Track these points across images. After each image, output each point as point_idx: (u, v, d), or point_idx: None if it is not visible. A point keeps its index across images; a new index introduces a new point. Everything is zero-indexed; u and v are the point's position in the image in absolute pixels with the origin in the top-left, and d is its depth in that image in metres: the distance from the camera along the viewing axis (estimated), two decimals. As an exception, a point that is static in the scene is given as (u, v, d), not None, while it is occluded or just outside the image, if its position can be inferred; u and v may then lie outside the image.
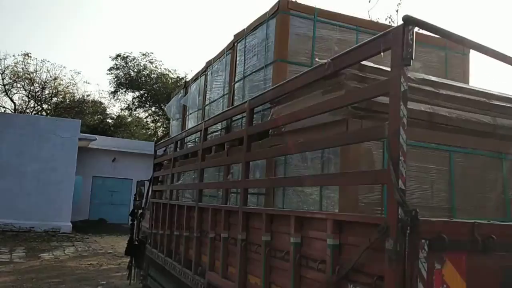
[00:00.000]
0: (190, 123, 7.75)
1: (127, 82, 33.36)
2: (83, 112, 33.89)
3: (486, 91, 4.08)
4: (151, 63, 34.04)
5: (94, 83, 69.34)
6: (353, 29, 4.99)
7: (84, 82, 48.30)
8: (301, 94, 3.94)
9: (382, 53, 2.75)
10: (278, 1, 4.80)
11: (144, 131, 39.27)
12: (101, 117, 36.62)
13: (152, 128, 39.60)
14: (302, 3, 4.91)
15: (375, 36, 2.79)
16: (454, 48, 5.44)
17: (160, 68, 34.61)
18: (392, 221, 2.53)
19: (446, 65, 5.25)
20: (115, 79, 33.64)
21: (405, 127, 2.55)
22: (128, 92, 34.20)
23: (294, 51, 4.75)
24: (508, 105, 4.04)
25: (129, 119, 38.05)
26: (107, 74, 34.07)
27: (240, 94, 5.45)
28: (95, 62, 58.31)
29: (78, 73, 43.66)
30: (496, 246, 2.60)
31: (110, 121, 37.08)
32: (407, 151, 2.52)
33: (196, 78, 7.67)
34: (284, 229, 3.78)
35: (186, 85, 8.31)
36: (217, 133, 6.23)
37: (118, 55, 33.22)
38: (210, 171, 6.18)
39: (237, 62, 5.67)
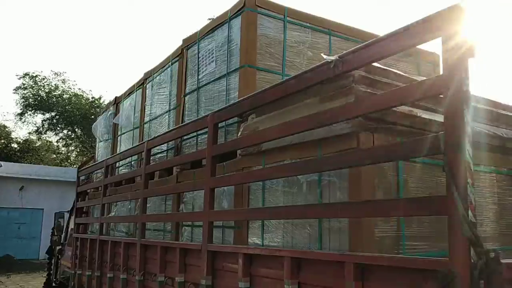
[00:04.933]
0: (123, 144, 6.70)
1: (36, 103, 30.71)
2: (-17, 137, 30.72)
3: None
4: (64, 82, 31.77)
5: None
6: (326, 32, 4.39)
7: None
8: (286, 103, 3.21)
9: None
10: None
11: (54, 156, 36.38)
12: (5, 142, 33.32)
13: (63, 152, 36.84)
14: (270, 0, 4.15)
15: (414, 21, 2.14)
16: (425, 57, 5.06)
17: (74, 88, 32.43)
18: (460, 266, 1.86)
19: (420, 74, 4.79)
20: (22, 100, 30.85)
21: (471, 138, 1.91)
22: (37, 113, 31.49)
23: (263, 55, 4.03)
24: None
25: (38, 143, 35.03)
26: (14, 93, 31.23)
27: (193, 107, 4.60)
28: (-2, 81, 53.52)
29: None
30: None
31: (15, 146, 33.84)
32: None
33: (130, 92, 6.65)
34: (272, 274, 3.00)
35: (117, 101, 7.23)
36: (160, 155, 5.30)
37: (26, 74, 30.59)
38: (153, 200, 5.23)
39: (188, 71, 4.82)
